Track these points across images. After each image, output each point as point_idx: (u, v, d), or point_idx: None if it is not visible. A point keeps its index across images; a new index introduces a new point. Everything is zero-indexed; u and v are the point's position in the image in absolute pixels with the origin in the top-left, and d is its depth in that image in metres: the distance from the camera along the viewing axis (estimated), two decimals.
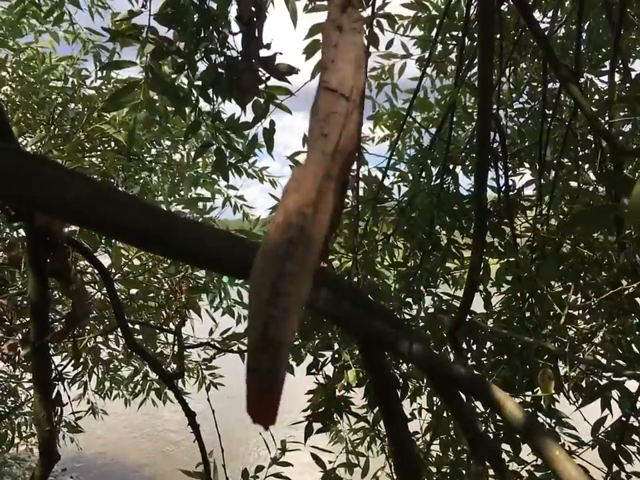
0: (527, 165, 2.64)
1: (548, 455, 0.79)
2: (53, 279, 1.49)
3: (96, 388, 3.77)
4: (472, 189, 2.35)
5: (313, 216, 0.36)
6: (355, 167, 2.46)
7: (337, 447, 2.45)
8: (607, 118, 2.13)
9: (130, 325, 2.33)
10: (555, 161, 2.39)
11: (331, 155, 0.40)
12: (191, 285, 2.96)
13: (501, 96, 2.51)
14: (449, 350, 2.22)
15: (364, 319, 0.92)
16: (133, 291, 3.13)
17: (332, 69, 0.44)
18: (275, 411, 0.36)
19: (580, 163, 2.44)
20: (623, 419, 1.78)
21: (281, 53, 1.51)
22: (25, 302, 2.60)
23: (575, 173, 2.42)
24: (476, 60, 2.26)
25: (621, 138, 2.21)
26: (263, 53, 1.52)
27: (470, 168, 2.50)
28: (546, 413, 2.01)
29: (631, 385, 1.84)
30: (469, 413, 1.21)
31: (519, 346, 2.08)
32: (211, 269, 2.22)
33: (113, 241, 2.68)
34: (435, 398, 2.38)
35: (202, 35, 1.57)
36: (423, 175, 2.46)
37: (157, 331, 3.20)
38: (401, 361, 2.19)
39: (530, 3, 2.27)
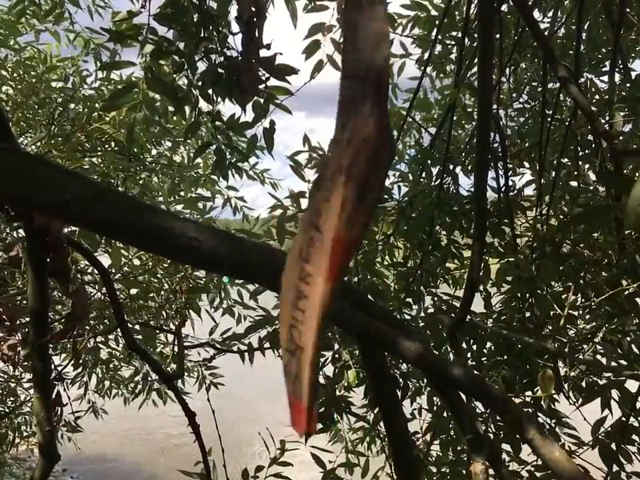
0: (527, 165, 2.64)
1: (548, 456, 0.80)
2: (53, 279, 1.49)
3: (95, 387, 3.76)
4: (472, 189, 2.35)
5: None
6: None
7: (336, 446, 2.45)
8: (607, 118, 2.13)
9: (130, 325, 2.32)
10: (555, 161, 2.39)
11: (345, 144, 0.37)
12: (191, 285, 2.96)
13: (501, 96, 2.51)
14: (449, 350, 2.22)
15: (364, 319, 0.91)
16: (133, 291, 3.13)
17: (350, 52, 0.40)
18: (310, 419, 0.35)
19: (580, 163, 2.44)
20: (623, 419, 1.78)
21: (281, 53, 1.51)
22: (25, 302, 2.60)
23: (575, 173, 2.42)
24: (476, 60, 2.25)
25: (621, 138, 2.21)
26: (263, 53, 1.52)
27: (470, 168, 2.50)
28: (546, 413, 2.01)
29: (631, 385, 1.84)
30: (468, 413, 1.21)
31: (519, 346, 2.08)
32: (209, 269, 2.22)
33: (113, 241, 2.68)
34: (435, 398, 2.37)
35: (202, 34, 1.57)
36: (423, 175, 2.46)
37: (157, 331, 3.19)
38: (401, 361, 2.19)
39: (530, 3, 2.27)
